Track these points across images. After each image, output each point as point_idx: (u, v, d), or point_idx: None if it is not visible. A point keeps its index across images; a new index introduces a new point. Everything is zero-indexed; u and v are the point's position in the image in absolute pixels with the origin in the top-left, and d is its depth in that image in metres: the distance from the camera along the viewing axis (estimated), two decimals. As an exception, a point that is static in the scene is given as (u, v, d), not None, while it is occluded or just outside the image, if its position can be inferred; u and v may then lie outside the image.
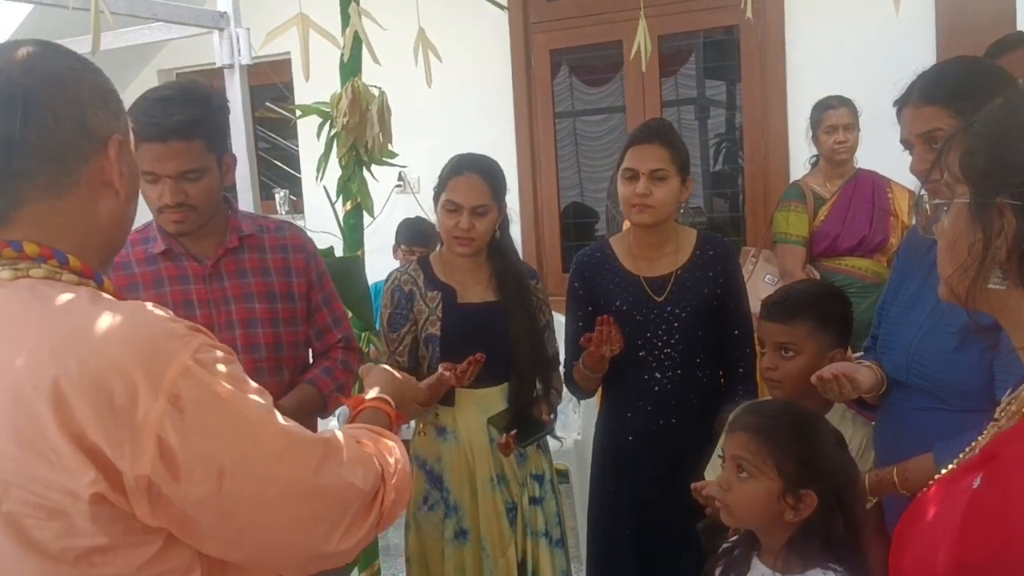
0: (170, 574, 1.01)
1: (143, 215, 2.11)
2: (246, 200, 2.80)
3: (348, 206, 2.89)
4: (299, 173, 5.62)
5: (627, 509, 2.49)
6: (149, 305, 1.05)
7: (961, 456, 1.10)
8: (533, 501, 2.53)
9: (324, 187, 2.92)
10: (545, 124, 5.20)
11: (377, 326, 3.02)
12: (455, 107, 5.00)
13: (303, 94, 4.31)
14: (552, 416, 2.52)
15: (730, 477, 1.68)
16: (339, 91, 2.75)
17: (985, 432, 1.08)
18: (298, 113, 3.03)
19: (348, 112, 2.70)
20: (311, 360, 2.31)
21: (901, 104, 1.84)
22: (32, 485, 0.94)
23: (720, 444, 1.92)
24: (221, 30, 2.76)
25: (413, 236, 4.48)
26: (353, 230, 2.93)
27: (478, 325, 2.47)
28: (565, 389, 2.63)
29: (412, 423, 2.62)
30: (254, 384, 1.07)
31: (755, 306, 2.39)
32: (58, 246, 1.05)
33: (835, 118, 3.78)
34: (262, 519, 1.03)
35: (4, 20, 4.53)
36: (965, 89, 1.70)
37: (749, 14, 2.18)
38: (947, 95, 1.73)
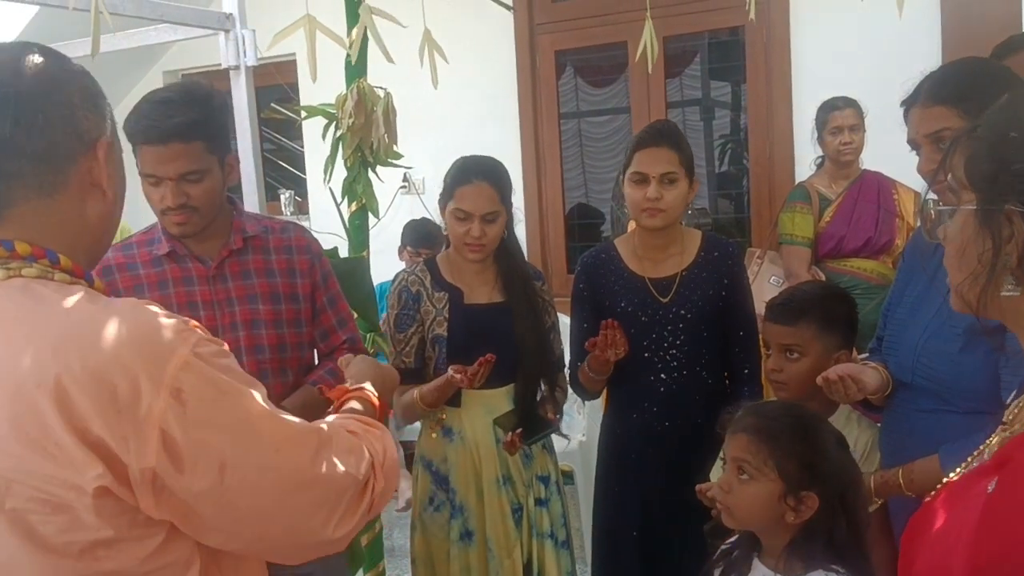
0: (171, 567, 1.03)
1: (148, 216, 2.13)
2: (251, 201, 2.80)
3: (353, 207, 2.90)
4: (304, 174, 5.63)
5: (632, 510, 2.49)
6: (144, 303, 1.07)
7: (969, 460, 1.10)
8: (539, 502, 2.53)
9: (330, 188, 2.92)
10: (550, 125, 5.20)
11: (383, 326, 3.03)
12: (460, 108, 5.01)
13: (308, 95, 4.32)
14: (558, 415, 2.52)
15: (731, 479, 1.68)
16: (344, 92, 2.75)
17: (994, 436, 1.07)
18: (303, 114, 3.03)
19: (353, 113, 2.70)
20: (316, 362, 2.31)
21: (908, 104, 1.83)
22: (36, 481, 0.95)
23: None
24: (227, 31, 2.77)
25: (419, 238, 4.49)
26: (358, 231, 2.93)
27: (484, 326, 2.47)
28: (570, 390, 2.63)
29: (418, 424, 2.63)
30: (250, 376, 1.10)
31: (760, 307, 2.39)
32: (49, 246, 1.07)
33: (840, 119, 3.78)
34: (262, 509, 1.05)
35: (9, 22, 4.54)
36: (974, 89, 1.70)
37: (752, 15, 2.17)
38: (955, 95, 1.73)
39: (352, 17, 2.74)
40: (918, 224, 1.48)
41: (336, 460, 1.12)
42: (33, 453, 0.95)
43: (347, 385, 1.50)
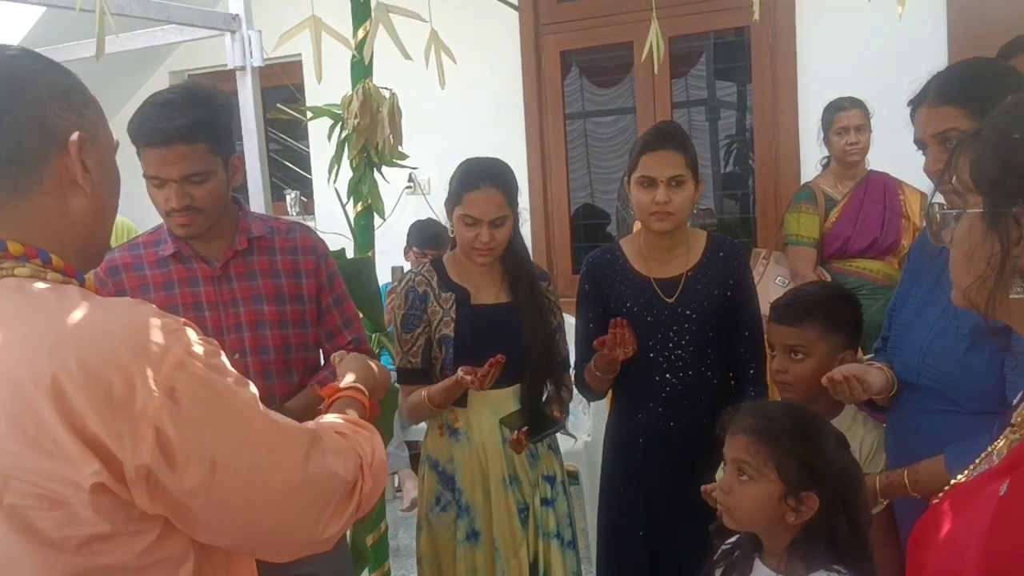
0: (166, 562, 1.04)
1: (155, 217, 2.13)
2: (257, 201, 2.81)
3: (359, 207, 2.90)
4: (310, 174, 5.63)
5: (637, 510, 2.49)
6: (137, 302, 1.08)
7: (977, 462, 1.09)
8: (545, 502, 2.53)
9: (335, 188, 2.92)
10: (555, 125, 5.20)
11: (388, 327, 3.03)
12: (465, 108, 5.01)
13: (314, 95, 4.33)
14: (564, 415, 2.52)
15: (731, 480, 1.68)
16: (350, 93, 2.76)
17: (1001, 439, 1.07)
18: (309, 115, 3.04)
19: (359, 114, 2.71)
20: (322, 362, 2.31)
21: (916, 104, 1.83)
22: (33, 477, 0.97)
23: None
24: (233, 32, 2.77)
25: (425, 238, 4.49)
26: (364, 231, 2.94)
27: (491, 326, 2.47)
28: (575, 390, 2.63)
29: (424, 424, 2.63)
30: (242, 377, 1.11)
31: (766, 308, 2.38)
32: (37, 245, 1.08)
33: (847, 119, 3.77)
34: (252, 507, 1.06)
35: (15, 23, 4.55)
36: (981, 90, 1.69)
37: (756, 15, 2.17)
38: (963, 95, 1.72)
39: (358, 18, 2.74)
40: (924, 224, 1.48)
41: (326, 461, 1.14)
42: (31, 450, 0.96)
43: (338, 383, 1.51)
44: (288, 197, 5.81)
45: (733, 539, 1.79)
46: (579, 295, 2.58)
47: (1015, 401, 1.11)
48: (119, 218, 3.34)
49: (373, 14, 2.45)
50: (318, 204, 5.60)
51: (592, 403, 3.44)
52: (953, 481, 1.10)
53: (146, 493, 0.99)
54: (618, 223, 4.86)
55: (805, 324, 2.13)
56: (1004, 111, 1.03)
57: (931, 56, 3.87)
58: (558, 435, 2.56)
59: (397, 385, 2.58)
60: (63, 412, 0.96)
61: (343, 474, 1.15)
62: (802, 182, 4.28)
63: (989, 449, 1.09)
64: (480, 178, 2.41)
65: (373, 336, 2.89)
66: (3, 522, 0.98)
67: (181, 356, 1.01)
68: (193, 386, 1.01)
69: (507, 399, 2.48)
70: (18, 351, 0.98)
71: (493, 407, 2.46)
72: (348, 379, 1.52)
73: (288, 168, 5.88)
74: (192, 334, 1.06)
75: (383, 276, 3.30)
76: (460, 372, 2.31)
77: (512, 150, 4.82)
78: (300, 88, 5.28)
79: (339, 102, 2.81)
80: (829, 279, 3.72)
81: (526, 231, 3.69)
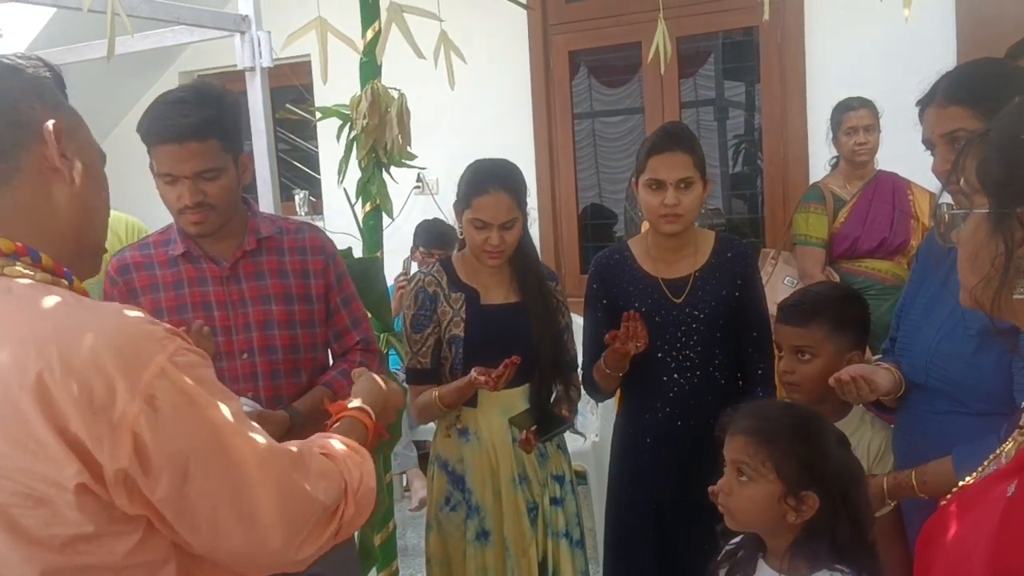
0: (150, 564, 1.05)
1: (166, 216, 2.14)
2: (266, 201, 2.82)
3: (367, 208, 2.90)
4: (319, 174, 5.65)
5: (645, 510, 2.49)
6: (127, 307, 1.09)
7: (985, 464, 1.09)
8: (554, 501, 2.54)
9: (344, 189, 2.93)
10: (564, 125, 5.20)
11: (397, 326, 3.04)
12: (474, 109, 5.01)
13: (323, 96, 4.33)
14: (572, 414, 2.52)
15: (731, 481, 1.68)
16: (359, 93, 2.76)
17: (1010, 440, 1.07)
18: (318, 115, 3.04)
19: (368, 114, 2.71)
20: (331, 362, 2.32)
21: (924, 104, 1.83)
22: (19, 476, 0.99)
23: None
24: (242, 33, 2.79)
25: (431, 238, 4.49)
26: (372, 231, 2.94)
27: (501, 326, 2.47)
28: (583, 390, 2.63)
29: (433, 424, 2.64)
30: (227, 390, 1.11)
31: (774, 308, 2.38)
32: (20, 237, 1.09)
33: (855, 119, 3.77)
34: (221, 522, 1.06)
35: (25, 24, 4.57)
36: (989, 90, 1.69)
37: (766, 15, 2.17)
38: (971, 96, 1.72)
39: (367, 18, 2.75)
40: (932, 225, 1.48)
41: (305, 483, 1.13)
42: (15, 450, 0.98)
43: (347, 402, 1.50)
44: (297, 197, 5.83)
45: (737, 539, 1.79)
46: (587, 295, 2.59)
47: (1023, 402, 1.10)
48: (128, 217, 3.38)
49: (386, 14, 2.46)
50: (327, 204, 5.62)
51: (600, 403, 3.44)
52: (962, 483, 1.10)
53: (125, 495, 1.00)
54: (626, 223, 4.86)
55: (812, 325, 2.13)
56: (1011, 112, 1.03)
57: (940, 56, 3.87)
58: (566, 435, 2.56)
59: (406, 385, 2.59)
60: (47, 413, 0.97)
61: (322, 498, 1.14)
62: (811, 182, 4.27)
63: (998, 451, 1.08)
64: (489, 182, 2.41)
65: (381, 336, 2.89)
66: None
67: (163, 364, 1.02)
68: (173, 395, 1.01)
69: (516, 399, 2.48)
70: (5, 352, 1.00)
71: (503, 407, 2.47)
72: (356, 400, 1.50)
73: (297, 168, 5.90)
74: (180, 343, 1.06)
75: (391, 276, 3.30)
76: (473, 373, 2.31)
77: (520, 150, 4.82)
78: (309, 88, 5.29)
79: (348, 102, 2.81)
80: (838, 279, 3.71)
81: (534, 231, 3.70)
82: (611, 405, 2.97)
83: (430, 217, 4.77)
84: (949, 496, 1.10)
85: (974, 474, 1.10)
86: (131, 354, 1.01)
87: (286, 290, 2.16)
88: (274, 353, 2.13)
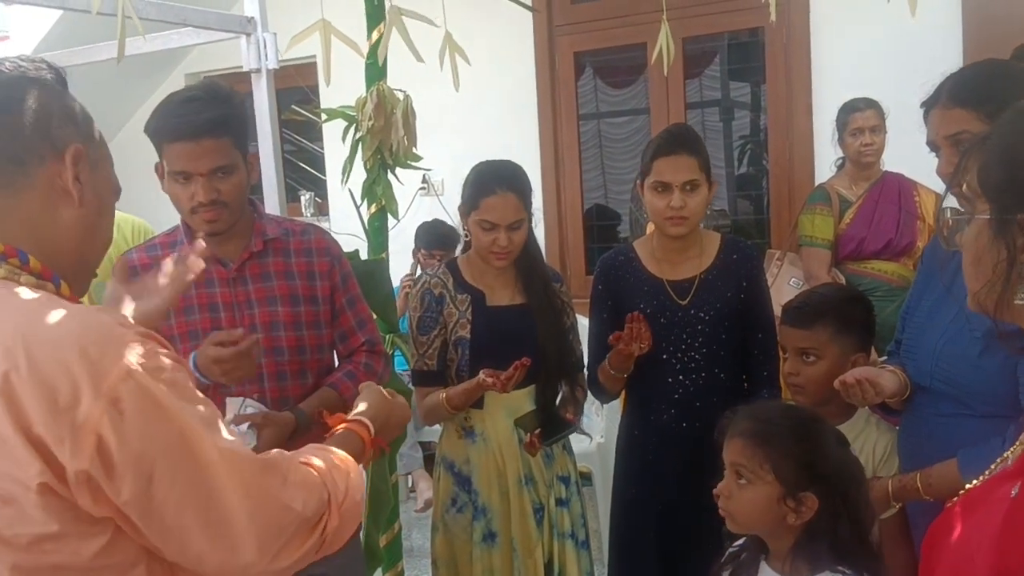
0: (117, 567, 1.05)
1: (172, 218, 2.15)
2: (272, 202, 2.82)
3: (373, 209, 2.91)
4: (324, 175, 5.66)
5: (650, 512, 2.49)
6: (103, 310, 1.11)
7: (992, 467, 1.09)
8: (560, 502, 2.54)
9: (349, 190, 2.94)
10: (569, 126, 5.20)
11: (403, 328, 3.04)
12: (479, 110, 5.01)
13: (328, 97, 4.34)
14: (578, 416, 2.52)
15: (730, 484, 1.68)
16: (364, 95, 2.77)
17: (1018, 443, 1.07)
18: (324, 117, 3.05)
19: (373, 116, 2.71)
20: (336, 364, 2.32)
21: (929, 106, 1.83)
22: None
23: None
24: (248, 35, 2.79)
25: (433, 240, 4.49)
26: (378, 233, 2.95)
27: (507, 327, 2.48)
28: (589, 391, 2.63)
29: (439, 426, 2.64)
30: (200, 395, 1.11)
31: (780, 310, 2.38)
32: (20, 244, 1.10)
33: (861, 120, 3.76)
34: (186, 527, 1.05)
35: (33, 26, 4.59)
36: (994, 92, 1.69)
37: (773, 16, 2.17)
38: (976, 98, 1.72)
39: (372, 20, 2.75)
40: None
41: (279, 492, 1.12)
42: None
43: (347, 415, 1.49)
44: (303, 198, 5.84)
45: (740, 541, 1.79)
46: (592, 296, 2.59)
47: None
48: (135, 219, 3.39)
49: (387, 17, 2.46)
50: (332, 205, 5.62)
51: (605, 404, 3.44)
52: (968, 486, 1.10)
53: (89, 497, 1.00)
54: (631, 224, 4.86)
55: (817, 326, 2.12)
56: (1011, 117, 1.03)
57: (946, 57, 3.86)
58: (572, 435, 2.56)
59: (412, 387, 2.59)
60: (13, 412, 0.98)
61: (299, 508, 1.13)
62: (816, 183, 4.27)
63: (1005, 455, 1.08)
64: (496, 183, 2.41)
65: (387, 337, 2.90)
66: None
67: (130, 367, 1.01)
68: (139, 399, 1.01)
69: (522, 400, 2.48)
70: None
71: (508, 408, 2.47)
72: (357, 412, 1.49)
73: (302, 169, 5.91)
74: (152, 346, 1.06)
75: (397, 277, 3.30)
76: (482, 375, 2.31)
77: (525, 151, 4.82)
78: (315, 90, 5.30)
79: (353, 104, 2.82)
80: (843, 281, 3.71)
81: (539, 232, 3.69)
82: (616, 406, 2.96)
83: (437, 218, 4.77)
84: (955, 499, 1.10)
85: (980, 478, 1.10)
86: (97, 356, 1.00)
87: (292, 291, 2.16)
88: (280, 354, 2.13)
